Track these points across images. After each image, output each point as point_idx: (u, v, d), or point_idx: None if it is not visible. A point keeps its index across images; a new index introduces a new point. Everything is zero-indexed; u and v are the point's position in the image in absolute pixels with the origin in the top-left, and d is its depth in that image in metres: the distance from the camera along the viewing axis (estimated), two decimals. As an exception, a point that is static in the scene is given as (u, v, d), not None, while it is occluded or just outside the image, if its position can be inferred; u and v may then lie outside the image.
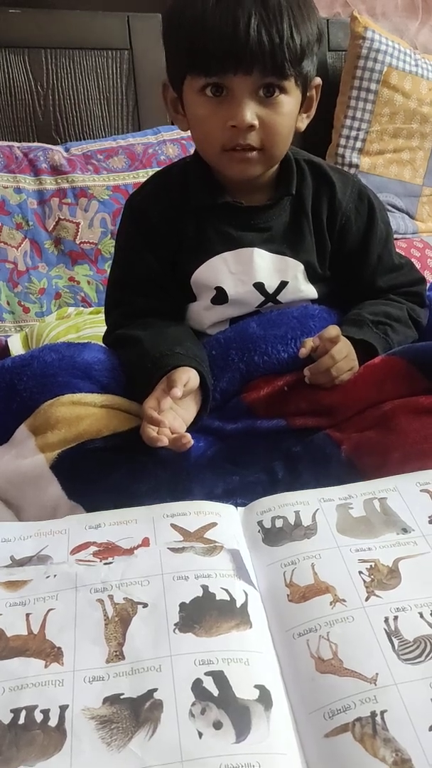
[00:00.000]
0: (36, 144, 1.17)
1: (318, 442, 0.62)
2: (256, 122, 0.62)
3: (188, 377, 0.60)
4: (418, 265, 1.22)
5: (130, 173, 1.18)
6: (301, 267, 0.72)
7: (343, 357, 0.64)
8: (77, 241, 1.16)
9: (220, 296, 0.72)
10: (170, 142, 1.22)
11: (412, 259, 1.22)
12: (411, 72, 1.28)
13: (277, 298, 0.72)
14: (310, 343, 0.65)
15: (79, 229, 1.16)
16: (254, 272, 0.71)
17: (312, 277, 0.73)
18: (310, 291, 0.73)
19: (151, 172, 1.18)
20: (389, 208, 1.32)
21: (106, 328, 0.77)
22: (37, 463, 0.58)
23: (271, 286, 0.72)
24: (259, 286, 0.71)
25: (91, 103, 1.23)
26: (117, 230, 0.79)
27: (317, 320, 0.70)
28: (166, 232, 0.72)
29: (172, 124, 1.28)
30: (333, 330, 0.65)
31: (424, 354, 0.65)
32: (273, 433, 0.64)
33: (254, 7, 0.59)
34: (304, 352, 0.65)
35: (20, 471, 0.59)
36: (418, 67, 1.29)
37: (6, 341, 1.08)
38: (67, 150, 1.18)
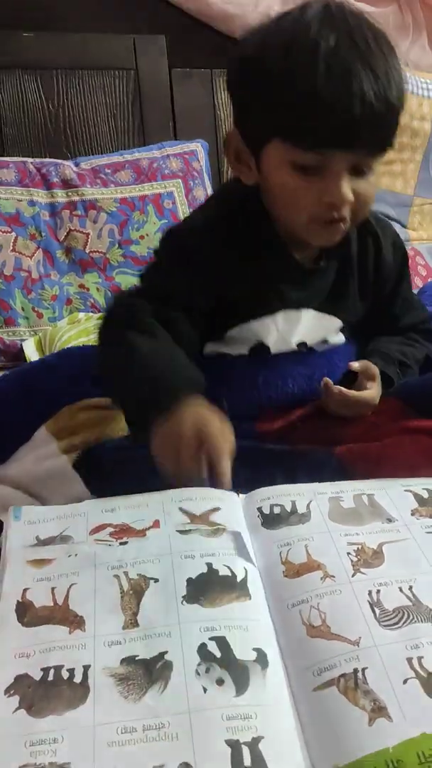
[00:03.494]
0: (48, 159, 1.21)
1: (314, 455, 0.64)
2: (352, 198, 0.59)
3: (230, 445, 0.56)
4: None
5: (136, 186, 1.23)
6: (340, 323, 0.72)
7: (364, 405, 0.66)
8: (87, 251, 1.20)
9: (260, 349, 0.69)
10: (173, 157, 1.26)
11: (404, 267, 1.27)
12: (402, 89, 1.33)
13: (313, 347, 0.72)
14: (356, 366, 0.67)
15: (89, 240, 1.20)
16: (299, 332, 0.69)
17: (347, 329, 0.73)
18: (340, 339, 0.74)
19: (156, 185, 1.22)
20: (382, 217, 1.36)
21: (114, 303, 0.70)
22: (61, 463, 0.61)
23: (311, 342, 0.71)
24: (301, 345, 0.70)
25: (99, 120, 1.28)
26: (157, 252, 0.71)
27: (341, 356, 0.72)
28: (215, 270, 0.66)
29: (176, 139, 1.33)
30: (374, 370, 0.67)
31: (416, 393, 0.68)
32: (277, 453, 0.66)
33: (366, 78, 0.52)
34: (356, 367, 0.67)
35: (45, 471, 0.62)
36: (409, 84, 1.33)
37: (21, 345, 1.13)
38: (77, 165, 1.22)
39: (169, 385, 0.57)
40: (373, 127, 0.55)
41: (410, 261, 1.27)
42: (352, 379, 0.68)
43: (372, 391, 0.67)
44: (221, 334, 0.69)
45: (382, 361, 0.70)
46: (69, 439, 0.63)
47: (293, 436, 0.68)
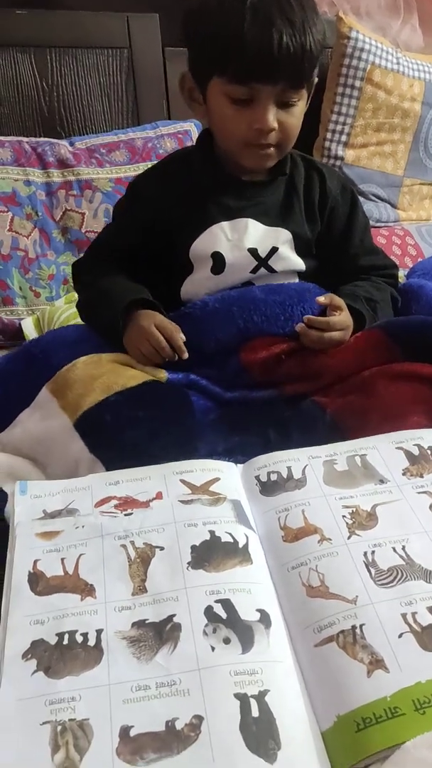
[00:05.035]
0: (43, 139, 1.18)
1: (305, 408, 0.67)
2: (276, 125, 0.69)
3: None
4: (398, 251, 1.27)
5: (131, 166, 1.21)
6: (289, 236, 0.77)
7: (338, 330, 0.70)
8: (83, 230, 1.19)
9: (218, 264, 0.75)
10: (168, 137, 1.24)
11: (394, 246, 1.28)
12: (393, 69, 1.30)
13: (269, 263, 0.76)
14: (322, 299, 0.72)
15: (85, 219, 1.19)
16: (248, 239, 0.75)
17: (299, 248, 0.78)
18: (298, 262, 0.78)
19: (150, 164, 1.20)
20: (372, 197, 1.35)
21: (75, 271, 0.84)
22: (62, 422, 0.63)
23: (263, 251, 0.76)
24: (253, 251, 0.75)
25: (93, 99, 1.25)
26: (116, 203, 0.84)
27: (312, 293, 0.75)
28: (159, 213, 0.77)
29: (169, 118, 1.31)
30: (339, 300, 0.72)
31: (397, 326, 0.72)
32: (266, 403, 0.69)
33: (284, 25, 0.64)
34: (322, 300, 0.72)
35: (47, 430, 0.63)
36: (400, 64, 1.31)
37: (20, 324, 1.12)
38: (71, 144, 1.20)
39: (123, 305, 0.71)
40: (290, 65, 0.65)
41: (401, 242, 1.29)
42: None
43: (340, 316, 0.71)
44: (183, 261, 0.76)
45: (349, 299, 0.74)
46: (66, 396, 0.64)
47: (279, 370, 0.70)
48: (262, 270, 0.77)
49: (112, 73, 1.25)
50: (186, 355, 0.69)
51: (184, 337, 0.69)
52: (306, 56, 0.65)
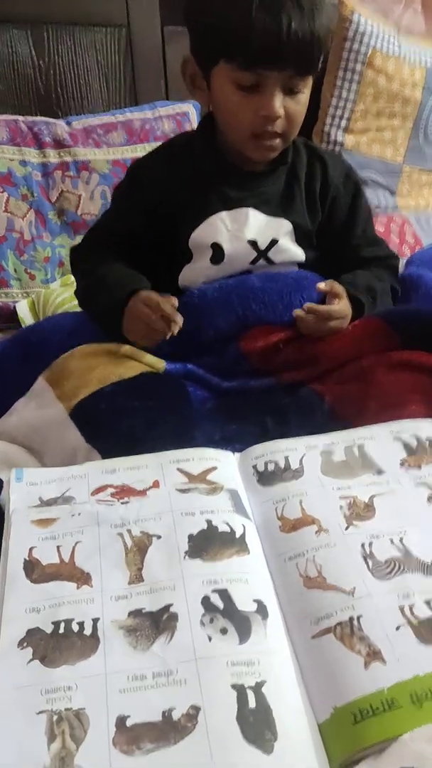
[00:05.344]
0: (40, 118, 1.15)
1: (303, 396, 0.66)
2: (282, 112, 0.67)
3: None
4: (396, 239, 1.25)
5: (129, 147, 1.18)
6: (290, 226, 0.76)
7: (336, 318, 0.70)
8: (79, 213, 1.16)
9: (217, 254, 0.74)
10: (166, 118, 1.21)
11: (392, 234, 1.26)
12: (394, 55, 1.27)
13: (269, 255, 0.75)
14: (322, 285, 0.71)
15: (81, 201, 1.16)
16: (249, 230, 0.74)
17: (300, 239, 0.77)
18: (299, 252, 0.77)
19: (148, 146, 1.18)
20: (371, 184, 1.33)
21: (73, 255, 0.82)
22: (57, 411, 0.62)
23: (263, 243, 0.75)
24: (253, 243, 0.74)
25: (91, 78, 1.21)
26: (115, 186, 0.83)
27: (310, 281, 0.75)
28: (163, 197, 0.75)
29: (167, 99, 1.28)
30: (339, 287, 0.71)
31: (396, 314, 0.71)
32: (264, 391, 0.69)
33: (292, 9, 0.62)
34: (323, 287, 0.71)
35: (43, 419, 0.62)
36: (401, 50, 1.28)
37: (14, 306, 1.10)
38: (68, 124, 1.16)
39: (123, 295, 0.69)
40: (298, 52, 0.64)
41: (399, 229, 1.27)
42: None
43: (340, 305, 0.70)
44: (183, 249, 0.74)
45: (349, 287, 0.73)
46: (62, 386, 0.63)
47: (277, 359, 0.70)
48: (262, 261, 0.75)
49: (110, 52, 1.21)
50: (180, 320, 0.66)
51: (175, 302, 0.67)
52: (314, 42, 0.63)
